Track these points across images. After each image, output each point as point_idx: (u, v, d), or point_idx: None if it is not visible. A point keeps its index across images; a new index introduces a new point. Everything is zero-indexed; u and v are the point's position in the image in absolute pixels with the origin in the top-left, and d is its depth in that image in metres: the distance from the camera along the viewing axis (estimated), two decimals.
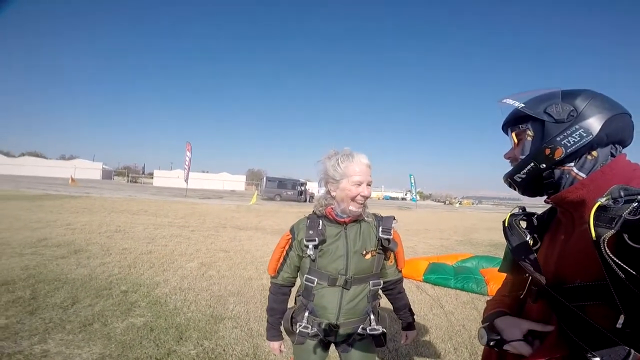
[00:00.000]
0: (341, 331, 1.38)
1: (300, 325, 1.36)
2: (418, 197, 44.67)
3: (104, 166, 54.86)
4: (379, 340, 1.43)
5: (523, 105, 0.84)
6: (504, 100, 0.88)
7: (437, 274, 4.84)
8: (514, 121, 0.90)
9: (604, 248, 0.57)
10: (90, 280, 3.86)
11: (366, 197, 1.35)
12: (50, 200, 12.46)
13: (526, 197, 0.91)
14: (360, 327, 1.39)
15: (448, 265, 5.26)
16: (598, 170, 0.76)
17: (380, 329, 1.39)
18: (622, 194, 0.60)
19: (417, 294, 4.33)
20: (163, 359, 2.35)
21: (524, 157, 0.85)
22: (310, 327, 1.36)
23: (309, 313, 1.38)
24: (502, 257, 1.00)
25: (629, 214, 0.57)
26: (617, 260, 0.55)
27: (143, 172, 69.64)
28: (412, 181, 32.53)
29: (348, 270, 1.35)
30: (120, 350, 2.40)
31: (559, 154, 0.78)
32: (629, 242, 0.55)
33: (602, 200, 0.62)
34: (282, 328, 1.49)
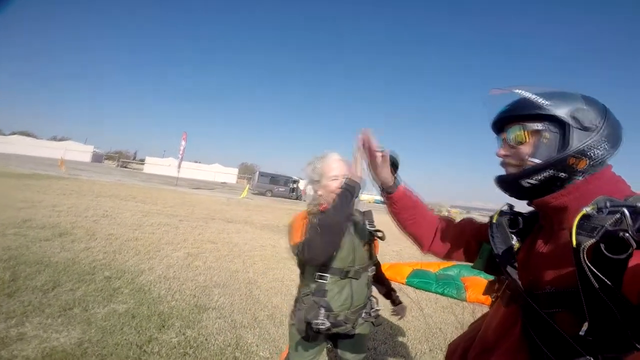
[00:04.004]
0: (352, 320, 1.47)
1: (315, 324, 1.38)
2: None
3: (95, 149, 53.89)
4: (379, 320, 1.59)
5: (549, 103, 0.76)
6: (517, 90, 0.80)
7: (419, 278, 4.93)
8: (525, 117, 0.81)
9: (583, 256, 0.58)
10: (73, 265, 3.82)
11: None
12: (37, 180, 12.22)
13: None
14: (364, 311, 1.52)
15: (431, 272, 5.36)
16: (583, 179, 0.75)
17: (381, 307, 1.58)
18: (607, 204, 0.60)
19: (399, 296, 4.39)
20: (144, 346, 2.36)
21: (537, 160, 0.78)
22: (326, 322, 1.40)
23: (325, 310, 1.41)
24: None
25: (610, 225, 0.57)
26: (593, 270, 0.56)
27: (134, 158, 68.80)
28: None
29: (355, 261, 1.47)
30: (100, 336, 2.40)
31: (583, 165, 0.74)
32: (605, 252, 0.56)
33: (588, 209, 0.62)
34: (295, 330, 1.49)
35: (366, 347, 1.63)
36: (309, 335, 1.44)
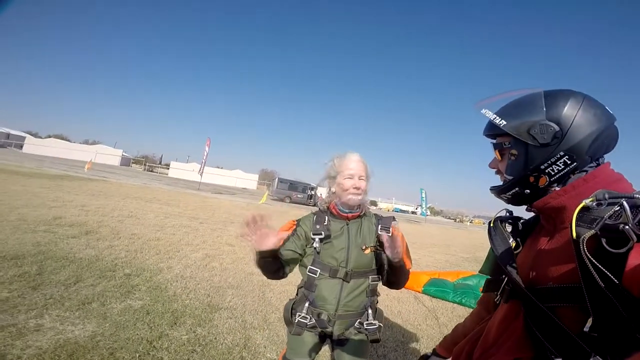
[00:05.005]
0: (338, 323, 1.43)
1: (299, 316, 1.42)
2: (428, 212, 43.87)
3: (123, 153, 56.18)
4: (374, 336, 1.45)
5: (505, 123, 0.79)
6: (482, 111, 0.83)
7: (436, 287, 4.80)
8: (495, 135, 0.86)
9: (583, 247, 0.57)
10: (97, 261, 3.98)
11: (359, 188, 1.43)
12: (69, 181, 12.90)
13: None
14: (358, 321, 1.45)
15: (449, 281, 5.21)
16: (581, 177, 0.75)
17: (376, 324, 1.45)
18: (606, 196, 0.61)
19: (414, 304, 4.31)
20: (154, 341, 2.40)
21: (508, 177, 0.83)
22: (309, 317, 1.42)
23: (309, 304, 1.43)
24: None
25: (609, 217, 0.57)
26: (593, 261, 0.56)
27: (160, 162, 71.29)
28: (423, 195, 32.26)
29: (348, 262, 1.42)
30: (113, 330, 2.46)
31: (543, 182, 0.77)
32: (606, 246, 0.56)
33: (587, 201, 0.62)
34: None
35: (366, 355, 1.52)
36: (292, 325, 1.44)
